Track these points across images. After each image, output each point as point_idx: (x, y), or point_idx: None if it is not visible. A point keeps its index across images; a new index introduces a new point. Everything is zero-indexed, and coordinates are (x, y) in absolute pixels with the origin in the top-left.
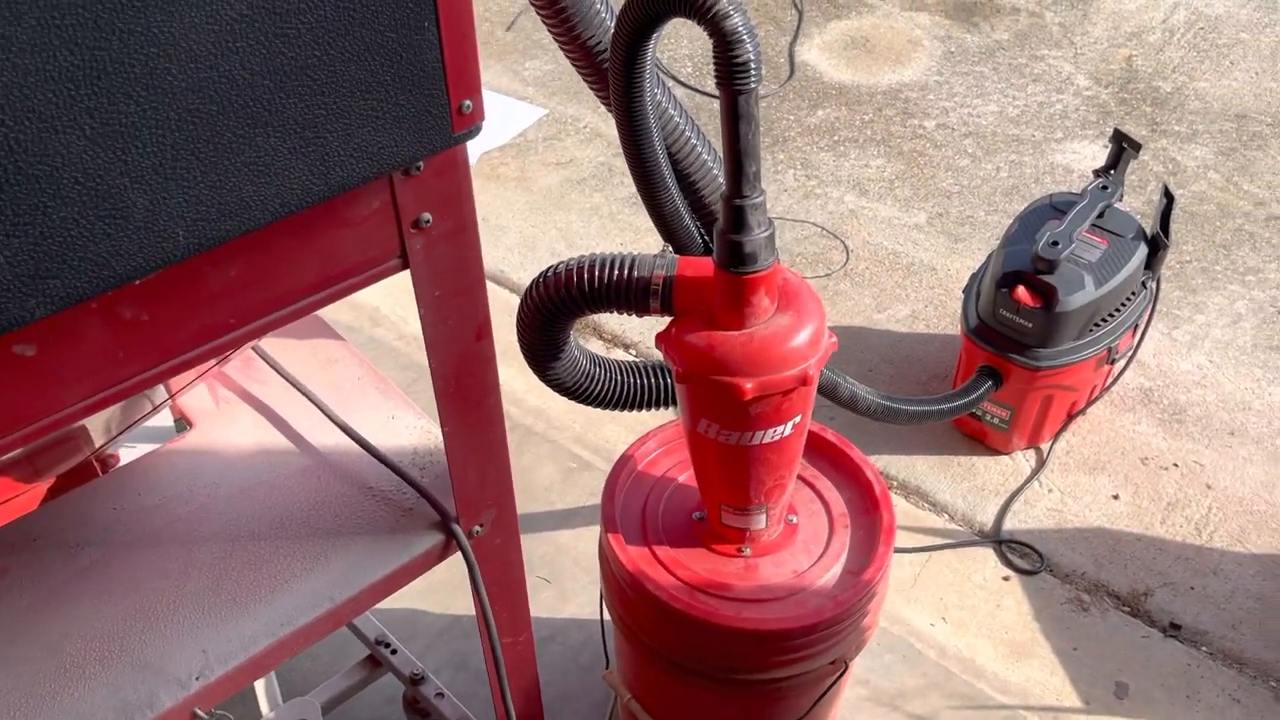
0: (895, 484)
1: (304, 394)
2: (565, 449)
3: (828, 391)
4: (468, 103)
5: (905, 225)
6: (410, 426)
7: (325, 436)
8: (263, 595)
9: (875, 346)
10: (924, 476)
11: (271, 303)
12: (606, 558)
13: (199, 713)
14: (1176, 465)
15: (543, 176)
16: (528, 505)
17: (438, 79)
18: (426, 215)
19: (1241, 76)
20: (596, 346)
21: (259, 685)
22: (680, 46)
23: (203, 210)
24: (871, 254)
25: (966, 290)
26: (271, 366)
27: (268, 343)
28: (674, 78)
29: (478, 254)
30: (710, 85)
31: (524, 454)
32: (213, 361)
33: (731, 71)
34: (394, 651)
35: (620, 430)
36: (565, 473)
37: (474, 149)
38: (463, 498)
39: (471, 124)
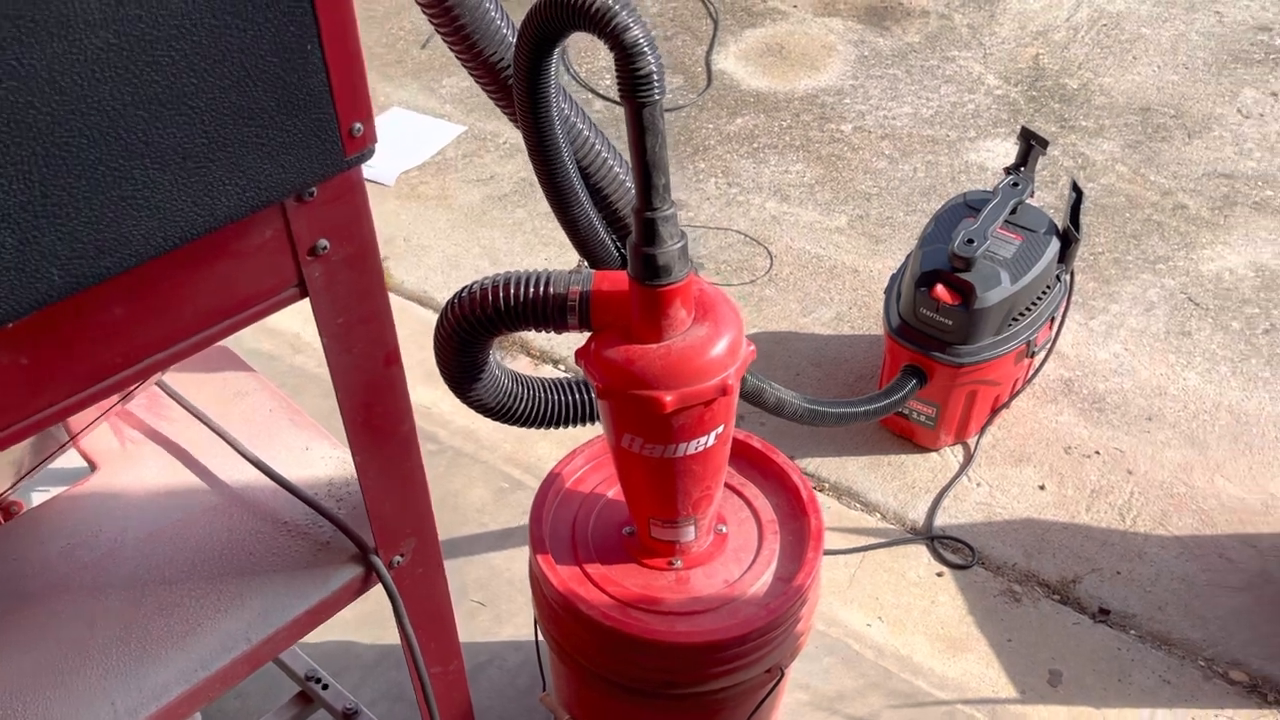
0: (827, 486)
1: (213, 429)
2: (496, 469)
3: (754, 398)
4: (358, 126)
5: (827, 229)
6: (326, 457)
7: (237, 472)
8: (175, 641)
9: (802, 350)
10: (855, 477)
11: (164, 339)
12: (537, 579)
13: None
14: (1098, 453)
15: (464, 194)
16: (460, 528)
17: (325, 103)
18: (323, 241)
19: (1144, 70)
20: (524, 363)
21: None
22: (599, 59)
23: (79, 248)
24: (795, 259)
25: (887, 291)
26: (178, 402)
27: (174, 377)
28: (593, 90)
29: (380, 279)
30: None
31: (454, 477)
32: (114, 400)
33: (634, 84)
34: (325, 687)
35: (552, 447)
36: (497, 493)
37: (392, 168)
38: (381, 528)
39: (363, 147)
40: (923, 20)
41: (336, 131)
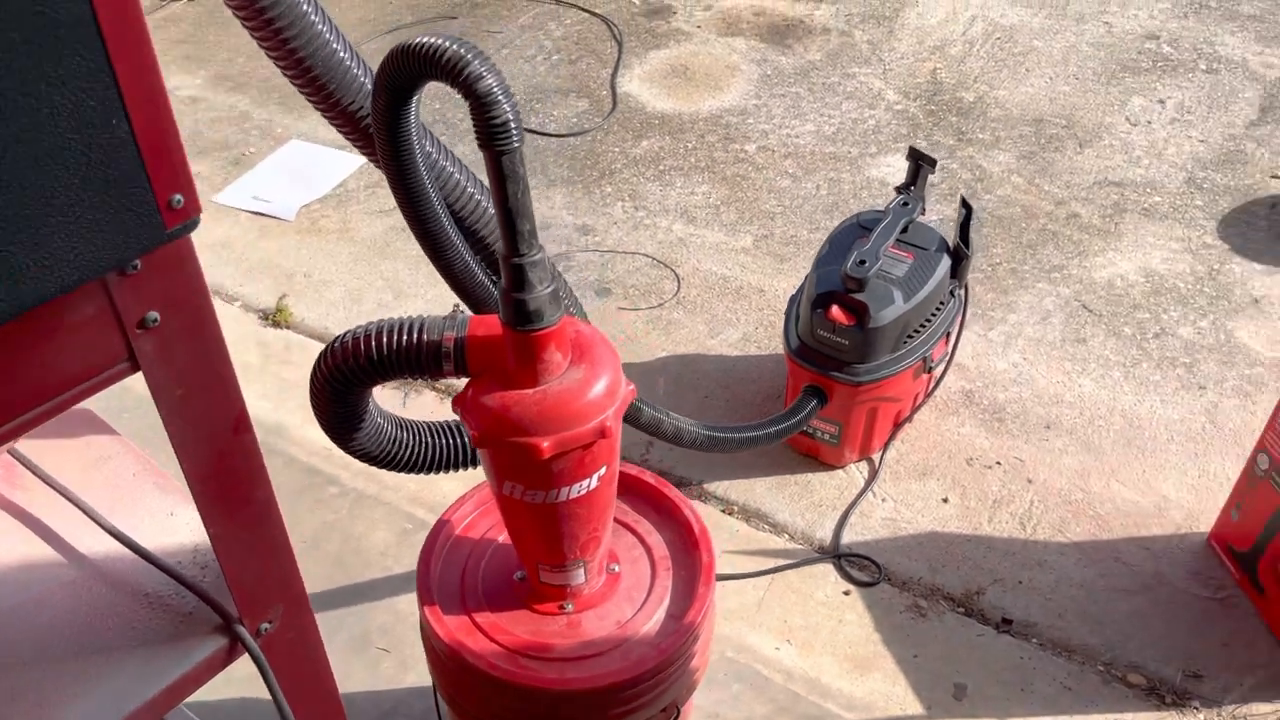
0: (736, 508)
1: (69, 499)
2: (400, 510)
3: (651, 429)
4: (178, 197)
5: (733, 249)
6: (191, 523)
7: (96, 543)
8: None
9: (710, 372)
10: (763, 498)
11: None
12: (425, 631)
13: None
14: (999, 463)
15: (365, 226)
16: (364, 573)
17: (138, 178)
18: (153, 314)
19: (1037, 82)
20: (429, 398)
21: None
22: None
23: None
24: (702, 280)
25: (787, 313)
26: (32, 471)
27: (30, 445)
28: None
29: (221, 346)
30: (550, 125)
31: (357, 520)
32: None
33: (491, 133)
34: None
35: (458, 485)
36: (401, 535)
37: (292, 202)
38: (243, 597)
39: (186, 219)
40: (824, 38)
41: (154, 205)
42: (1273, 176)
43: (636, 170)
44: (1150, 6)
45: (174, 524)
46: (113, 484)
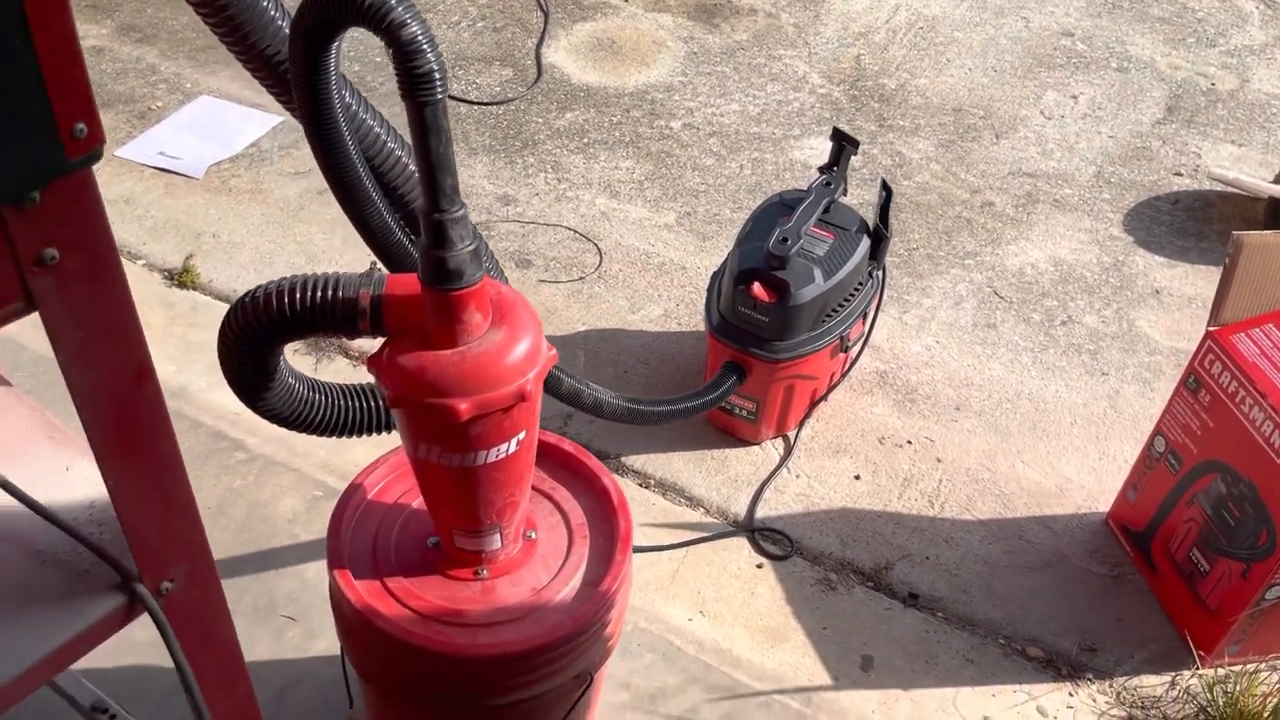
0: (653, 481)
1: None
2: (310, 477)
3: (572, 400)
4: (81, 126)
5: (656, 225)
6: (88, 477)
7: None
8: None
9: (630, 347)
10: (680, 472)
11: None
12: (335, 596)
13: None
14: (910, 442)
15: (279, 188)
16: (270, 540)
17: (39, 102)
18: (51, 251)
19: (957, 73)
20: (342, 364)
21: None
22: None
23: None
24: (624, 255)
25: (709, 289)
26: None
27: None
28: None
29: (124, 289)
30: (473, 92)
31: (264, 486)
32: None
33: (414, 83)
34: (114, 717)
35: (370, 452)
36: (310, 502)
37: (201, 160)
38: (143, 554)
39: (89, 149)
40: (751, 19)
41: (55, 132)
42: (1175, 174)
43: (560, 142)
44: (1066, 4)
45: (69, 479)
46: (4, 436)
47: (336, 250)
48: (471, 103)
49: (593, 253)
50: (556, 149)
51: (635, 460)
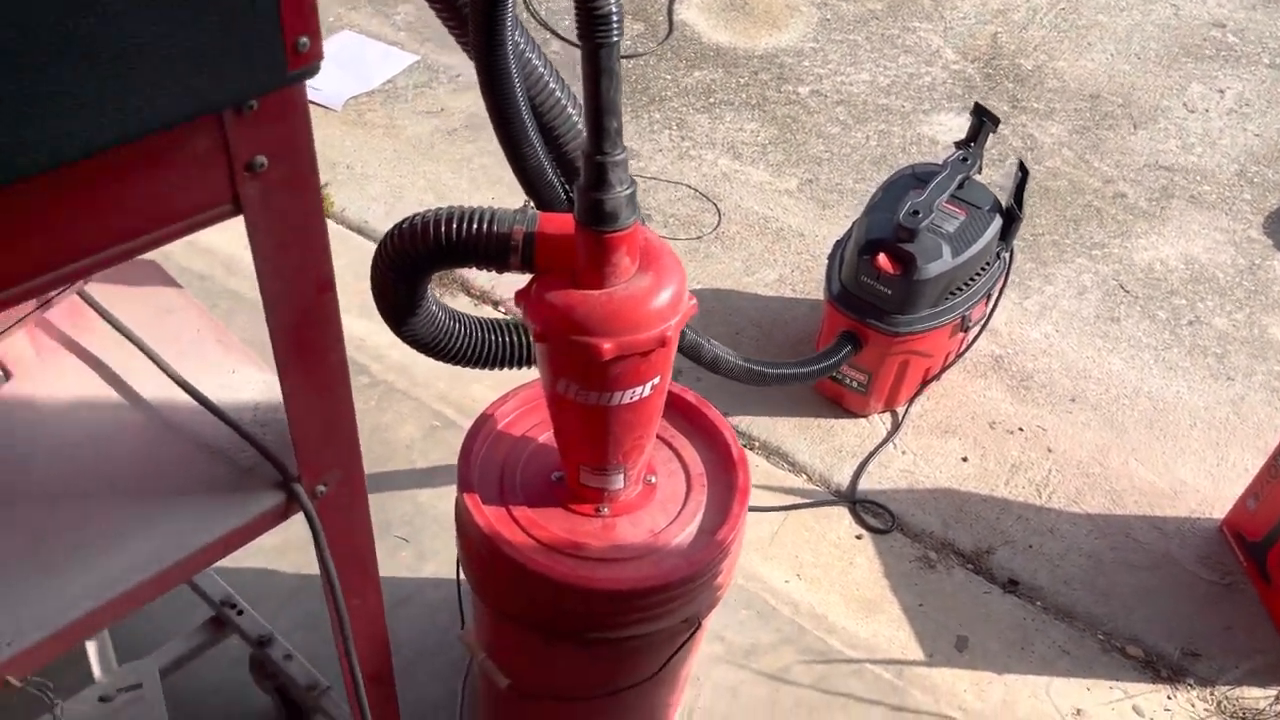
0: (757, 444)
1: (137, 344)
2: (428, 406)
3: (691, 353)
4: (304, 40)
5: (776, 190)
6: (253, 381)
7: (159, 390)
8: (85, 557)
9: (743, 309)
10: (784, 438)
11: (89, 244)
12: (462, 518)
13: (12, 681)
14: (1021, 429)
15: (412, 125)
16: (387, 463)
17: (269, 12)
18: (261, 158)
19: (1098, 57)
20: (463, 303)
21: (90, 648)
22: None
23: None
24: (743, 218)
25: (831, 257)
26: (100, 314)
27: (98, 289)
28: (552, 30)
29: (319, 202)
30: None
31: (385, 411)
32: (32, 306)
33: (592, 23)
34: (240, 613)
35: (486, 389)
36: (428, 431)
37: (340, 93)
38: (305, 457)
39: (308, 62)
40: None
41: (281, 44)
42: None
43: (686, 100)
44: None
45: (236, 381)
46: (176, 336)
47: (463, 190)
48: None
49: (711, 212)
50: (682, 107)
51: (740, 421)
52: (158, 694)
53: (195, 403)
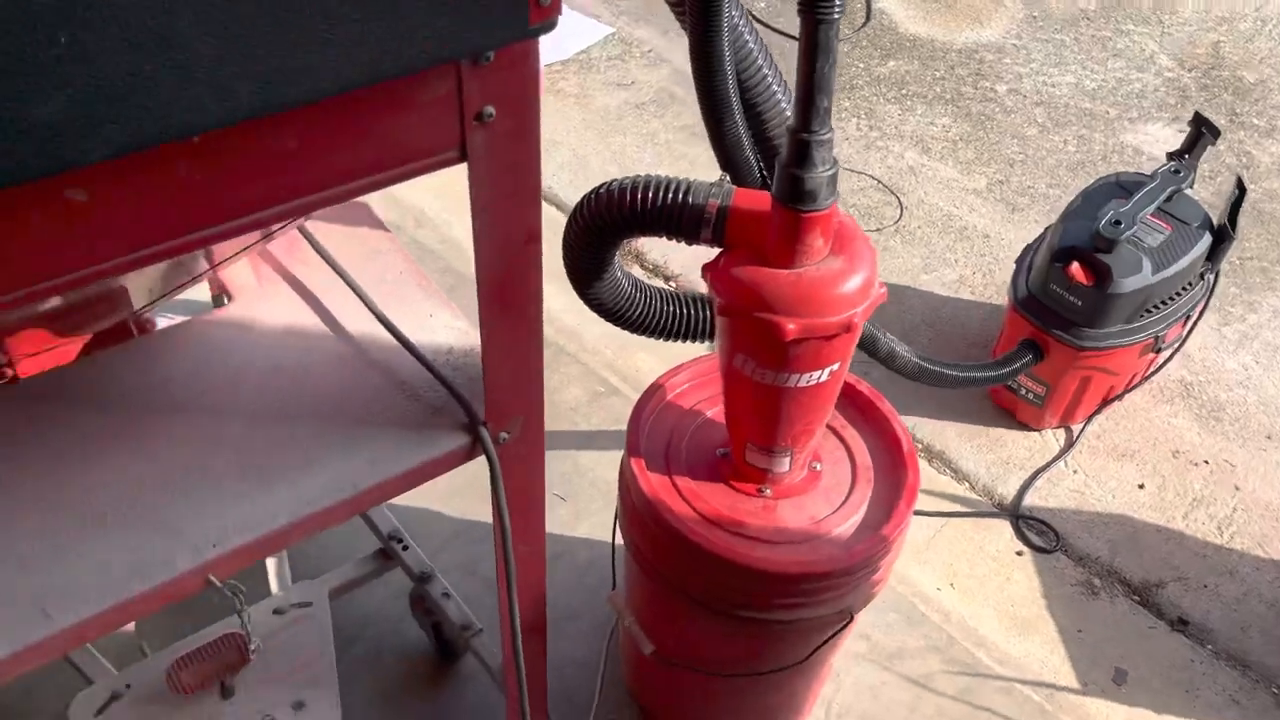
0: (920, 446)
1: (346, 281)
2: (595, 372)
3: (866, 345)
4: None
5: (963, 188)
6: (448, 326)
7: (362, 326)
8: (286, 474)
9: (918, 308)
10: (950, 442)
11: (325, 179)
12: (626, 481)
13: (213, 580)
14: (1207, 462)
15: (602, 96)
16: (552, 423)
17: None
18: (490, 109)
19: None
20: (636, 275)
21: (270, 564)
22: None
23: (268, 71)
24: (926, 213)
25: (1019, 260)
26: (316, 249)
27: (313, 225)
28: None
29: (537, 156)
30: (783, 23)
31: (554, 373)
32: (257, 235)
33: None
34: (406, 548)
35: (651, 360)
36: (592, 395)
37: None
38: (493, 402)
39: (548, 17)
40: None
41: None
42: None
43: (878, 90)
44: None
45: (433, 325)
46: (381, 276)
47: (647, 164)
48: (793, 38)
49: (894, 205)
50: (873, 96)
51: (906, 421)
52: (326, 613)
53: (394, 341)
